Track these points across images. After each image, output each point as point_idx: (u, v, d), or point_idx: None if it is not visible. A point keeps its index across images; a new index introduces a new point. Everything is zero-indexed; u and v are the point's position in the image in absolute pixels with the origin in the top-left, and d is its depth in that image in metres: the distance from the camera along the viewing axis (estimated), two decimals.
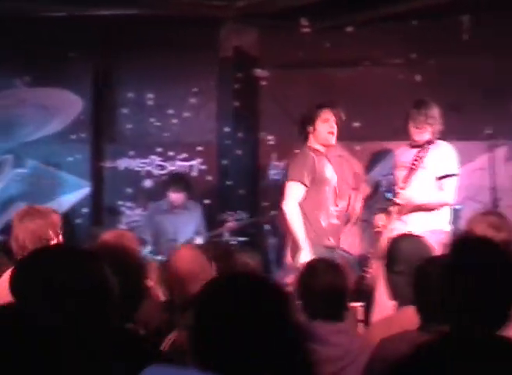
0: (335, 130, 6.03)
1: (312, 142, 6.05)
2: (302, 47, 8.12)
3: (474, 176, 7.10)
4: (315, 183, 5.88)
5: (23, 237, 4.09)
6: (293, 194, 5.88)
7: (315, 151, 6.01)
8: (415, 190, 5.81)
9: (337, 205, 6.00)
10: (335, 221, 5.94)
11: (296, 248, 5.79)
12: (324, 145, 6.03)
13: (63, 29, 8.22)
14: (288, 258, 5.99)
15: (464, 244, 2.94)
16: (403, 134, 6.55)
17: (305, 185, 5.87)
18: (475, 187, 7.23)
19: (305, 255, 5.68)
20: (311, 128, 6.04)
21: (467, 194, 6.02)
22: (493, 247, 2.82)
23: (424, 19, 7.82)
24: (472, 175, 6.77)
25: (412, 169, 5.86)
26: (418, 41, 7.85)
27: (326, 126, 5.99)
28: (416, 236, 4.37)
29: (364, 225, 7.96)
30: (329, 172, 5.97)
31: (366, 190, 8.03)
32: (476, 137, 7.21)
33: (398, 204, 5.84)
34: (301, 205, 5.85)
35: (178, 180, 7.94)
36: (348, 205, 6.18)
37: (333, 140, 6.04)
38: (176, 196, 7.65)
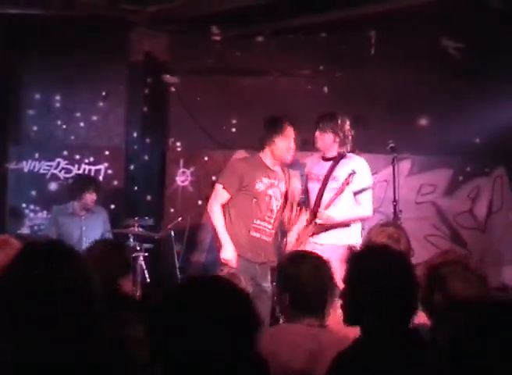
0: (293, 149, 5.97)
1: (265, 155, 5.98)
2: (212, 54, 8.16)
3: (378, 188, 7.22)
4: (242, 192, 5.85)
5: None
6: (217, 196, 5.89)
7: (265, 167, 5.92)
8: (335, 207, 5.83)
9: (265, 220, 5.88)
10: (255, 234, 5.85)
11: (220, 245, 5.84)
12: (277, 160, 5.97)
13: None
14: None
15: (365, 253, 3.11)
16: (310, 144, 6.62)
17: (228, 192, 5.85)
18: (378, 198, 7.36)
19: (227, 252, 5.73)
20: (269, 140, 5.92)
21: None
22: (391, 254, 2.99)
23: (332, 32, 7.94)
24: (375, 187, 6.87)
25: (326, 183, 5.89)
26: (326, 53, 7.97)
27: (286, 143, 5.92)
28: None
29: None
30: (262, 186, 5.87)
31: None
32: (380, 150, 7.33)
33: (317, 224, 5.86)
34: (229, 209, 5.87)
35: (90, 179, 7.85)
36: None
37: (289, 158, 5.98)
38: (90, 197, 7.53)
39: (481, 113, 7.43)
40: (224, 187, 5.86)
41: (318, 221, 5.84)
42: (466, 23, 7.42)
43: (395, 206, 6.34)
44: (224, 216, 5.84)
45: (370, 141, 7.32)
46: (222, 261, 5.77)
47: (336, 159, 5.94)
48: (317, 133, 6.01)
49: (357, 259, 3.05)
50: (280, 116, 6.09)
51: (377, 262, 2.95)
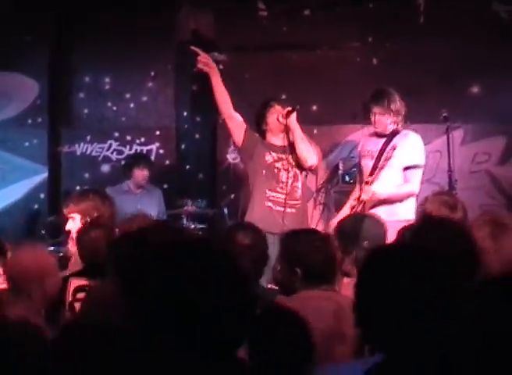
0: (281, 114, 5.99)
1: (269, 139, 6.04)
2: (259, 30, 8.13)
3: (431, 159, 7.16)
4: (252, 164, 5.94)
5: None
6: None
7: (270, 144, 5.99)
8: (382, 182, 5.79)
9: (277, 191, 5.93)
10: (269, 204, 5.92)
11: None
12: (279, 134, 5.98)
13: (19, 13, 8.11)
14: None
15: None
16: (360, 118, 6.59)
17: (244, 132, 6.00)
18: (432, 169, 7.30)
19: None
20: (264, 125, 6.03)
21: (424, 176, 6.05)
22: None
23: (380, 2, 7.86)
24: (428, 157, 6.80)
25: (379, 160, 5.85)
26: (374, 24, 7.89)
27: (276, 116, 5.98)
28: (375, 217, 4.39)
29: (321, 208, 8.02)
30: (270, 158, 5.94)
31: (325, 173, 8.08)
32: (432, 120, 7.26)
33: (363, 200, 5.84)
34: (249, 180, 6.00)
35: (141, 157, 7.95)
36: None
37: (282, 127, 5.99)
38: (141, 173, 7.63)
39: None
40: (246, 129, 6.03)
41: (363, 197, 5.81)
42: None
43: (450, 176, 6.28)
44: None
45: (421, 111, 7.24)
46: None
47: (390, 136, 5.89)
48: (371, 116, 5.96)
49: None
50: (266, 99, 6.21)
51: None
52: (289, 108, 5.88)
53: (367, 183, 5.82)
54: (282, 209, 5.83)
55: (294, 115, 5.88)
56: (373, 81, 7.32)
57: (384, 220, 4.31)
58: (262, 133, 6.05)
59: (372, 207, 5.80)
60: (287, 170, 5.93)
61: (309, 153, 5.95)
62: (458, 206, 4.32)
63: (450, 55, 7.61)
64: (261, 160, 5.94)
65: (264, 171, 5.92)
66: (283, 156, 5.94)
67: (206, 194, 8.00)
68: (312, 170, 6.38)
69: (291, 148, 5.96)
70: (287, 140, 5.97)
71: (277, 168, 5.92)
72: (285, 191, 5.87)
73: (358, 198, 5.89)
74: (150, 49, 8.37)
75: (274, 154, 5.95)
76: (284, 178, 5.92)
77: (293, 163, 5.95)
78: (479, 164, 7.74)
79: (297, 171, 5.96)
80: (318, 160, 6.20)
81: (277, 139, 5.98)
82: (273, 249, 4.10)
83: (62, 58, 8.74)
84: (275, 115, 5.95)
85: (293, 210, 5.92)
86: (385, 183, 5.80)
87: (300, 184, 5.97)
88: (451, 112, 6.47)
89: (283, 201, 5.86)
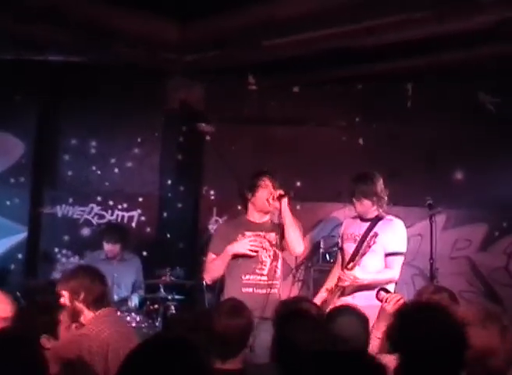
0: (272, 195, 5.86)
1: (250, 212, 5.91)
2: (247, 104, 8.20)
3: (412, 242, 7.15)
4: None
5: None
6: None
7: (247, 222, 5.86)
8: (363, 267, 5.76)
9: (255, 273, 5.76)
10: (247, 290, 5.75)
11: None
12: (263, 212, 5.92)
13: (10, 72, 8.14)
14: None
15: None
16: (344, 197, 6.60)
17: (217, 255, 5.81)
18: (412, 252, 7.29)
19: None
20: (250, 196, 5.90)
21: (404, 259, 6.04)
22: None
23: (368, 83, 7.95)
24: (410, 240, 6.79)
25: (361, 245, 5.81)
26: (362, 105, 7.97)
27: (265, 192, 5.85)
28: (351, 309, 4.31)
29: (300, 285, 7.98)
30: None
31: (305, 250, 8.04)
32: (415, 203, 7.28)
33: (343, 286, 5.77)
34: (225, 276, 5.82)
35: (113, 230, 7.84)
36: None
37: (270, 207, 5.87)
38: (109, 247, 7.56)
39: None
40: (214, 253, 5.81)
41: (344, 283, 5.75)
42: (502, 78, 7.42)
43: (431, 264, 6.28)
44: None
45: (405, 193, 7.28)
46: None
47: (374, 221, 5.88)
48: (354, 200, 5.94)
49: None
50: (259, 171, 6.01)
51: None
52: (282, 192, 5.74)
53: (348, 268, 5.76)
54: (264, 291, 5.67)
55: (286, 200, 5.75)
56: (358, 161, 7.38)
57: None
58: (245, 203, 5.93)
59: (352, 292, 5.76)
60: (266, 249, 5.83)
61: (298, 241, 5.77)
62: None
63: (436, 140, 7.69)
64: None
65: (239, 258, 5.71)
66: (261, 234, 5.79)
67: (186, 263, 7.95)
68: None
69: (274, 226, 5.85)
70: (270, 218, 5.89)
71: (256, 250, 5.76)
72: (265, 272, 5.72)
73: (338, 282, 5.84)
74: (138, 116, 8.40)
75: (250, 233, 5.77)
76: (264, 257, 5.80)
77: (273, 242, 5.84)
78: (460, 250, 7.75)
79: (277, 250, 5.80)
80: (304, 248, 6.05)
81: (258, 215, 5.87)
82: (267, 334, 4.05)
83: (49, 120, 8.75)
84: (265, 191, 5.83)
85: (275, 290, 5.80)
86: (367, 269, 5.77)
87: (279, 264, 5.84)
88: (434, 197, 6.49)
89: (265, 282, 5.75)
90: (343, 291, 5.81)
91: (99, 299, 4.46)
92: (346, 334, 3.71)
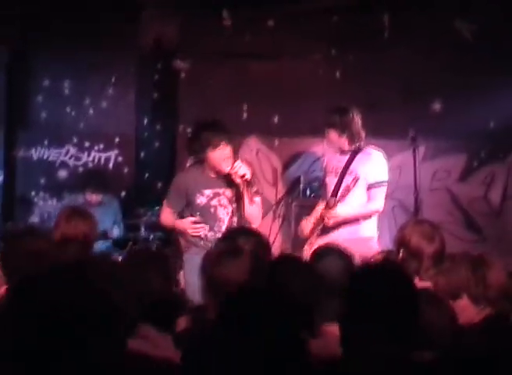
0: (230, 157, 5.63)
1: (207, 168, 5.65)
2: (223, 38, 8.05)
3: (391, 175, 7.11)
4: (187, 209, 5.70)
5: None
6: (164, 213, 5.82)
7: (206, 178, 5.67)
8: (346, 202, 5.74)
9: (213, 230, 5.66)
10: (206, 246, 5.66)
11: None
12: (216, 172, 5.63)
13: None
14: None
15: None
16: (321, 130, 6.53)
17: (174, 210, 5.73)
18: (392, 185, 7.27)
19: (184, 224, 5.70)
20: (204, 155, 5.53)
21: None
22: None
23: (344, 14, 7.83)
24: (389, 173, 6.78)
25: (342, 177, 5.79)
26: (338, 36, 7.85)
27: (219, 154, 5.64)
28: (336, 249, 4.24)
29: (281, 220, 7.97)
30: (204, 199, 5.65)
31: (284, 185, 8.02)
32: (393, 136, 7.25)
33: (326, 222, 5.75)
34: None
35: (94, 179, 7.75)
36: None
37: (228, 167, 5.65)
38: (92, 197, 7.50)
39: (496, 97, 7.31)
40: (169, 207, 5.74)
41: (327, 220, 5.75)
42: (480, 5, 7.32)
43: (416, 197, 6.29)
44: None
45: (383, 126, 7.23)
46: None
47: (353, 152, 5.85)
48: (325, 129, 5.93)
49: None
50: (212, 122, 5.69)
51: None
52: (247, 178, 5.52)
53: (330, 206, 5.75)
54: None
55: (249, 185, 5.55)
56: (336, 94, 7.30)
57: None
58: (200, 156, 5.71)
59: (335, 227, 5.76)
60: (224, 206, 5.70)
61: (256, 217, 5.64)
62: (436, 238, 4.29)
63: (413, 70, 7.59)
64: (193, 206, 5.63)
65: (197, 214, 5.63)
66: (220, 191, 5.65)
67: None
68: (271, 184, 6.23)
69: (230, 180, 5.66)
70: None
71: (213, 206, 5.67)
72: (223, 230, 5.50)
73: (321, 217, 5.83)
74: (112, 54, 8.25)
75: (208, 191, 5.66)
76: (221, 214, 5.67)
77: (232, 198, 5.71)
78: (439, 181, 7.74)
79: (235, 206, 5.63)
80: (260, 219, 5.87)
81: (211, 173, 5.69)
82: None
83: (21, 60, 8.57)
84: (221, 154, 5.59)
85: None
86: (350, 203, 5.75)
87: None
88: (412, 128, 6.45)
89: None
90: (326, 226, 5.81)
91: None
92: (332, 274, 3.66)
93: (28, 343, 2.00)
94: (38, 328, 1.99)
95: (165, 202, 5.80)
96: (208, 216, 5.60)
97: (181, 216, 5.72)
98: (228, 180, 5.62)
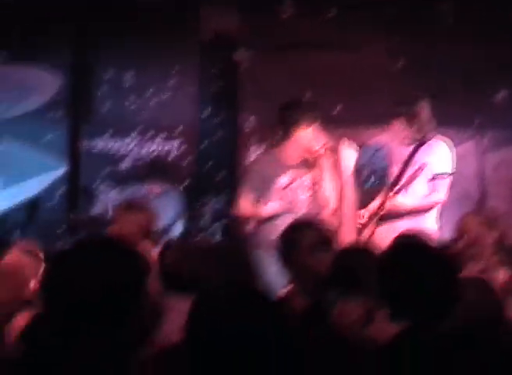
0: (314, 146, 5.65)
1: (287, 148, 5.74)
2: (283, 30, 8.07)
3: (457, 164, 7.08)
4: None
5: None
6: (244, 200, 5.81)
7: (284, 163, 5.70)
8: (409, 193, 5.71)
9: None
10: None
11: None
12: (302, 154, 5.73)
13: (41, 5, 8.07)
14: None
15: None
16: (383, 121, 6.52)
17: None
18: (456, 175, 7.23)
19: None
20: (287, 138, 5.71)
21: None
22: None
23: (406, 5, 7.79)
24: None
25: (406, 169, 5.76)
26: (401, 27, 7.81)
27: (308, 134, 5.64)
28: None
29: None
30: (284, 183, 5.68)
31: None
32: (457, 126, 7.21)
33: (386, 210, 5.73)
34: None
35: (155, 169, 7.87)
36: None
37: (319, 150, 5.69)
38: (153, 188, 7.60)
39: None
40: (252, 195, 5.77)
41: (387, 207, 5.73)
42: None
43: (481, 186, 6.25)
44: None
45: (446, 115, 7.17)
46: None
47: (419, 144, 5.82)
48: (392, 119, 5.90)
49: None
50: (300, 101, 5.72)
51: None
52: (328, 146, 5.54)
53: (393, 194, 5.72)
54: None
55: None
56: (397, 84, 7.27)
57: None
58: (285, 134, 5.75)
59: (395, 217, 5.73)
60: (303, 190, 5.72)
61: (330, 202, 5.70)
62: (496, 226, 4.28)
63: (477, 60, 7.54)
64: (272, 191, 5.68)
65: (278, 197, 5.69)
66: (299, 177, 5.71)
67: (226, 194, 7.94)
68: None
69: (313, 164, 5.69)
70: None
71: (293, 190, 5.71)
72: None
73: (381, 205, 5.81)
74: (173, 47, 8.30)
75: (290, 173, 5.69)
76: (301, 198, 5.70)
77: (311, 182, 5.72)
78: (503, 172, 7.66)
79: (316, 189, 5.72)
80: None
81: (293, 156, 5.71)
82: None
83: (84, 53, 8.69)
84: (306, 137, 5.63)
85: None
86: (412, 193, 5.72)
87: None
88: (477, 118, 6.41)
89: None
90: (387, 216, 5.79)
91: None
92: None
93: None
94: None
95: (245, 193, 5.75)
96: (287, 200, 5.60)
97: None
98: (307, 164, 5.63)
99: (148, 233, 4.66)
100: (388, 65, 7.88)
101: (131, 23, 8.32)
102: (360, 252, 3.75)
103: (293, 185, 5.61)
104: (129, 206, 4.74)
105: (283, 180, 5.61)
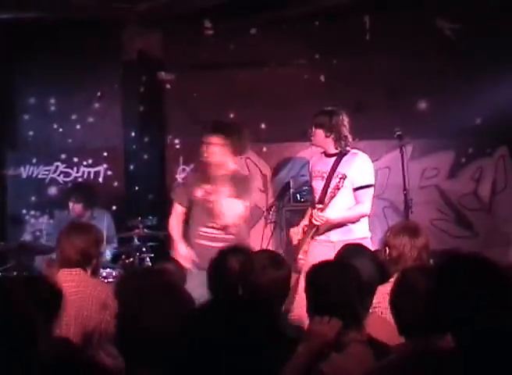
0: (211, 154, 5.78)
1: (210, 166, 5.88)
2: (206, 49, 8.09)
3: (380, 175, 7.16)
4: (191, 202, 5.83)
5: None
6: (172, 212, 5.91)
7: (207, 174, 5.82)
8: (334, 206, 5.73)
9: (210, 227, 5.74)
10: (201, 242, 5.75)
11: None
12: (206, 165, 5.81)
13: None
14: None
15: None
16: (309, 135, 6.56)
17: (181, 205, 5.84)
18: (381, 185, 7.32)
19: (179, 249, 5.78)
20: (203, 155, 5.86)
21: (374, 192, 6.04)
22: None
23: (326, 19, 7.88)
24: (378, 173, 6.80)
25: (329, 181, 5.78)
26: (321, 41, 7.90)
27: (204, 149, 5.82)
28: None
29: (273, 226, 7.99)
30: (199, 192, 5.78)
31: (275, 191, 8.04)
32: (381, 136, 7.30)
33: (316, 225, 5.76)
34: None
35: (77, 189, 7.82)
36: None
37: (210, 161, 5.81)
38: (74, 206, 7.53)
39: (481, 94, 7.38)
40: (178, 203, 5.87)
41: (314, 222, 5.76)
42: (461, 4, 7.39)
43: (406, 195, 6.32)
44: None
45: (370, 127, 7.27)
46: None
47: (339, 156, 5.84)
48: (312, 129, 5.94)
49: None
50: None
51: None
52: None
53: (319, 209, 5.74)
54: (218, 245, 5.58)
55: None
56: (321, 98, 7.32)
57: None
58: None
59: (327, 230, 5.76)
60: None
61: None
62: (420, 231, 4.34)
63: (397, 71, 7.65)
64: (194, 197, 5.76)
65: (195, 207, 5.76)
66: (215, 188, 5.74)
67: (156, 214, 7.89)
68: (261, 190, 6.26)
69: (233, 178, 5.77)
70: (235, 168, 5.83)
71: (210, 201, 5.78)
72: (219, 226, 5.69)
73: (310, 222, 5.83)
74: (96, 69, 8.26)
75: (207, 186, 5.77)
76: (219, 211, 5.74)
77: (232, 194, 5.77)
78: (428, 179, 7.79)
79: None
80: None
81: (217, 168, 5.79)
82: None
83: (5, 80, 8.58)
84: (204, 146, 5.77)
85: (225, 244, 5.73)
86: (337, 206, 5.74)
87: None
88: (399, 128, 6.49)
89: (218, 235, 5.71)
90: (317, 230, 5.81)
91: None
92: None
93: None
94: None
95: (174, 202, 5.93)
96: (204, 210, 5.71)
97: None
98: (228, 177, 5.74)
99: (90, 256, 4.58)
100: (311, 79, 7.95)
101: (51, 47, 8.25)
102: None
103: (212, 197, 5.70)
104: (71, 229, 4.66)
105: (199, 192, 5.73)
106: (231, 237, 5.68)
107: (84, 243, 4.43)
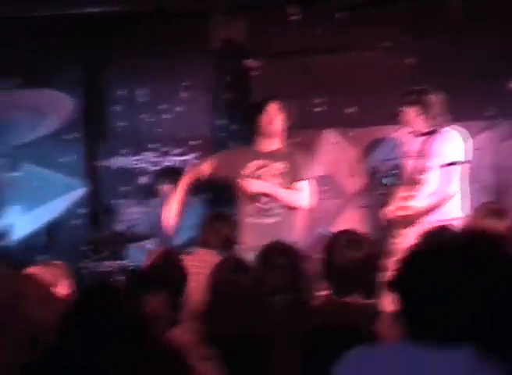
0: (277, 120, 5.78)
1: (257, 140, 5.85)
2: (291, 35, 8.07)
3: (472, 157, 7.02)
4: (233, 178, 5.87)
5: None
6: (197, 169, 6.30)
7: (255, 151, 5.82)
8: (424, 189, 5.66)
9: (258, 201, 5.77)
10: (250, 220, 5.75)
11: None
12: (266, 137, 5.80)
13: (51, 29, 8.14)
14: None
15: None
16: (397, 119, 6.50)
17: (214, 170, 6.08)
18: (474, 167, 7.17)
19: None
20: (256, 123, 5.87)
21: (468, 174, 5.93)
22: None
23: (413, 0, 7.77)
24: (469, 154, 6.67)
25: (419, 160, 5.74)
26: (408, 23, 7.78)
27: (266, 118, 5.81)
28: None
29: (364, 211, 7.93)
30: (250, 168, 5.81)
31: (364, 176, 7.99)
32: (471, 117, 7.16)
33: (405, 216, 5.71)
34: None
35: (167, 172, 7.95)
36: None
37: (273, 129, 5.80)
38: (166, 188, 7.64)
39: None
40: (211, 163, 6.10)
41: (402, 213, 5.71)
42: None
43: (498, 176, 6.21)
44: None
45: (460, 108, 7.12)
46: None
47: (430, 134, 5.78)
48: (403, 107, 5.87)
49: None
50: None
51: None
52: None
53: (407, 197, 5.70)
54: (268, 221, 5.62)
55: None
56: (409, 81, 7.22)
57: None
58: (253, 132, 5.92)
59: (421, 215, 5.69)
60: (271, 177, 5.74)
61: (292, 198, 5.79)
62: (505, 213, 4.27)
63: (488, 51, 7.48)
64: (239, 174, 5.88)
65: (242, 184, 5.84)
66: (268, 162, 5.77)
67: None
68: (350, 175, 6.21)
69: (284, 155, 5.80)
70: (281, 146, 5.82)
71: (258, 177, 5.76)
72: (267, 200, 5.73)
73: (400, 207, 5.78)
74: (183, 60, 8.37)
75: (255, 162, 5.78)
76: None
77: (279, 172, 5.79)
78: None
79: (282, 181, 5.81)
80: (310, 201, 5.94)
81: (267, 143, 5.81)
82: None
83: (95, 73, 8.76)
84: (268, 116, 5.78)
85: (279, 218, 5.75)
86: (428, 188, 5.67)
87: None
88: (491, 109, 6.36)
89: (267, 210, 5.71)
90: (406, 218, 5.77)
91: None
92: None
93: None
94: None
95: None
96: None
97: None
98: (278, 154, 5.99)
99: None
100: (397, 63, 7.84)
101: (140, 39, 8.38)
102: None
103: (258, 171, 5.74)
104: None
105: (247, 168, 5.76)
106: (278, 211, 5.69)
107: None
